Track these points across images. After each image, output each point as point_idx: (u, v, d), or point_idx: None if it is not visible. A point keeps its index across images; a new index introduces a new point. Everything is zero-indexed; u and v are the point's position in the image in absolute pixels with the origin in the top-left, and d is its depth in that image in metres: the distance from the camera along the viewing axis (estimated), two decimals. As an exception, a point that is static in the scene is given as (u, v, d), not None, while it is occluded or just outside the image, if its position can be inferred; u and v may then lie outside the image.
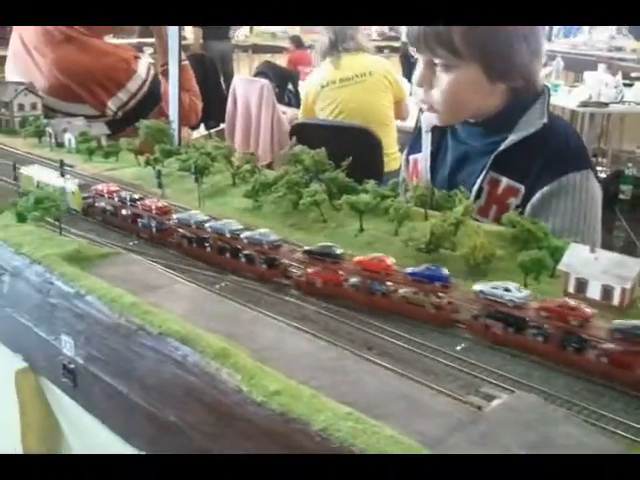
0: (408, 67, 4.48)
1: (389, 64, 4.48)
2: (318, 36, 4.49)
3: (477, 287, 1.01)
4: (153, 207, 1.37)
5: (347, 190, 1.43)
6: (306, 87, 4.39)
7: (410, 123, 3.84)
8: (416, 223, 1.29)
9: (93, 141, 1.99)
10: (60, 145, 2.08)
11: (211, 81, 5.84)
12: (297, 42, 8.05)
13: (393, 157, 4.13)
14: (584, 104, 5.73)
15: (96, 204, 1.50)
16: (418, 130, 2.00)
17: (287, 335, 0.95)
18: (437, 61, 1.69)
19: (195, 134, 4.92)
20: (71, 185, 1.50)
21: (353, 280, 1.12)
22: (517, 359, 0.94)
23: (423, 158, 1.94)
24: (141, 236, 1.40)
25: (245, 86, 5.15)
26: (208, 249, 1.28)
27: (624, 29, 8.33)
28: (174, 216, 1.35)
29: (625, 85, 5.78)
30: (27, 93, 2.34)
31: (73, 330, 1.06)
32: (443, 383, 0.85)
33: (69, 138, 2.05)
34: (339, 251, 1.14)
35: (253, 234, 1.22)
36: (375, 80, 4.11)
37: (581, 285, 1.03)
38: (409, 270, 1.07)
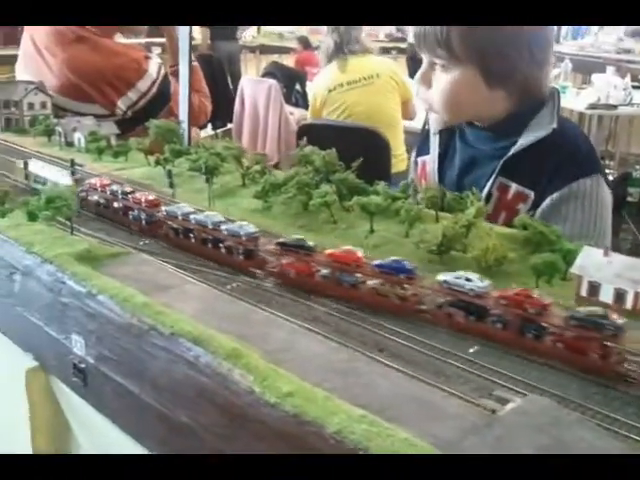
0: (415, 68, 4.47)
1: (395, 65, 4.47)
2: (322, 37, 4.48)
3: (440, 277, 1.05)
4: (143, 200, 1.42)
5: (357, 191, 1.43)
6: (313, 90, 4.39)
7: (417, 124, 3.84)
8: (427, 225, 1.29)
9: (102, 140, 1.99)
10: (70, 144, 2.08)
11: (218, 81, 5.85)
12: (304, 43, 8.05)
13: (400, 158, 4.13)
14: (592, 106, 5.71)
15: (89, 197, 1.55)
16: (426, 132, 2.00)
17: (299, 336, 0.94)
18: (437, 61, 1.69)
19: (202, 134, 4.93)
20: (65, 179, 1.55)
21: (324, 271, 1.15)
22: (529, 363, 0.94)
23: (431, 160, 1.94)
24: (132, 228, 1.45)
25: (253, 86, 5.16)
26: (192, 240, 1.32)
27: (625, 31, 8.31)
28: (163, 208, 1.39)
29: (634, 87, 5.75)
30: (37, 92, 2.35)
31: (84, 329, 1.06)
32: (455, 386, 0.85)
33: (79, 137, 2.05)
34: (311, 243, 1.19)
35: (232, 226, 1.26)
36: (382, 82, 4.11)
37: (594, 288, 1.03)
38: (376, 262, 1.11)
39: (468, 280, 1.02)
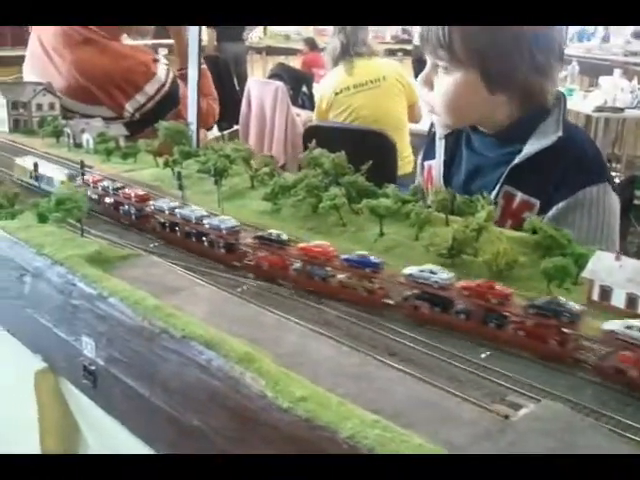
0: (420, 70, 4.45)
1: (401, 67, 4.46)
2: (328, 39, 4.47)
3: (406, 271, 1.08)
4: (132, 195, 1.47)
5: (367, 194, 1.42)
6: (320, 93, 4.39)
7: (423, 126, 3.84)
8: (437, 228, 1.29)
9: (111, 142, 1.99)
10: (78, 145, 2.09)
11: (225, 83, 5.85)
12: (311, 44, 8.05)
13: (407, 160, 4.13)
14: (599, 109, 5.70)
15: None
16: (432, 135, 2.00)
17: (310, 340, 0.94)
18: (439, 63, 1.68)
19: (209, 135, 4.93)
20: (60, 175, 1.62)
21: (297, 265, 1.19)
22: (541, 367, 0.93)
23: (437, 165, 1.93)
24: (122, 222, 1.49)
25: (259, 88, 5.17)
26: (178, 234, 1.37)
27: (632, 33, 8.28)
28: (151, 203, 1.43)
29: (641, 90, 5.75)
30: (45, 93, 2.35)
31: (94, 331, 1.06)
32: (468, 391, 0.84)
33: (87, 139, 2.05)
34: (285, 237, 1.22)
35: (214, 220, 1.31)
36: (389, 85, 4.11)
37: (605, 293, 1.02)
38: (345, 256, 1.14)
39: (432, 273, 1.06)
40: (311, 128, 4.15)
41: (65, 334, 1.13)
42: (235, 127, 5.85)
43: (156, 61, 2.77)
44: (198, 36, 1.95)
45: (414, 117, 4.30)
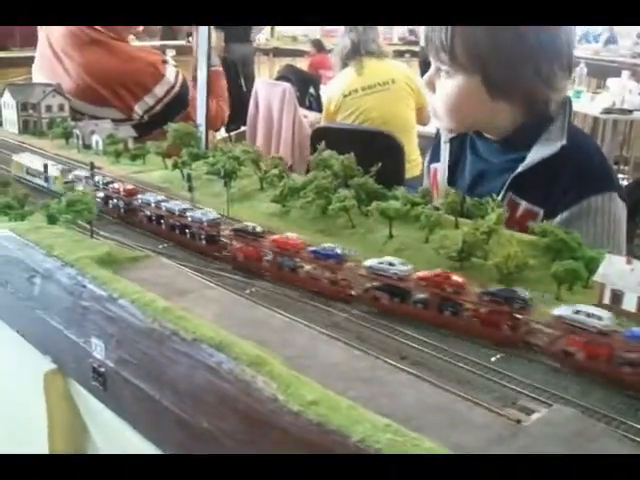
0: (427, 72, 4.45)
1: (410, 70, 4.44)
2: (338, 39, 4.46)
3: (366, 263, 1.13)
4: (121, 189, 1.54)
5: (376, 196, 1.42)
6: (328, 95, 4.38)
7: (430, 128, 3.83)
8: (447, 231, 1.28)
9: (120, 143, 2.00)
10: (87, 147, 2.09)
11: (232, 84, 5.85)
12: (318, 46, 8.05)
13: (415, 163, 4.12)
14: (607, 111, 5.69)
15: (75, 188, 1.64)
16: (439, 138, 1.99)
17: (320, 343, 0.94)
18: (441, 67, 1.68)
19: (217, 136, 4.94)
20: (54, 170, 1.71)
21: (269, 256, 1.24)
22: (552, 371, 0.93)
23: (442, 169, 1.93)
24: (112, 215, 1.55)
25: (267, 89, 5.17)
26: (163, 226, 1.43)
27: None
28: (139, 197, 1.49)
29: (650, 92, 5.73)
30: (55, 95, 2.36)
31: (104, 333, 1.06)
32: (479, 395, 0.84)
33: (96, 140, 2.06)
34: (259, 229, 1.27)
35: (196, 213, 1.36)
36: (398, 87, 4.10)
37: (616, 297, 1.02)
38: (312, 248, 1.19)
39: (391, 265, 1.10)
40: (318, 129, 4.15)
41: (75, 336, 1.13)
42: (242, 128, 5.86)
43: (165, 62, 2.78)
44: (207, 38, 1.95)
45: (423, 120, 4.29)
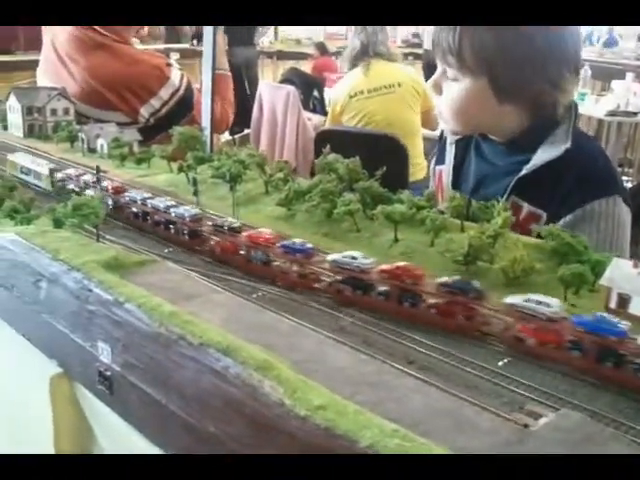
0: (430, 75, 4.44)
1: (417, 74, 4.42)
2: (348, 41, 4.46)
3: (330, 257, 1.17)
4: (110, 187, 1.60)
5: (382, 200, 1.42)
6: (334, 96, 4.38)
7: (437, 132, 3.82)
8: (452, 234, 1.28)
9: (125, 147, 2.00)
10: (92, 151, 2.10)
11: (236, 87, 5.86)
12: (322, 49, 8.08)
13: (419, 167, 4.12)
14: (611, 113, 5.68)
15: (65, 186, 1.73)
16: (444, 140, 1.99)
17: (327, 347, 0.94)
18: (448, 69, 1.67)
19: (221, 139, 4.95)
20: (46, 169, 1.77)
21: (243, 250, 1.29)
22: (560, 376, 0.93)
23: (446, 171, 1.92)
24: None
25: (271, 92, 5.17)
26: (149, 222, 1.48)
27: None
28: (126, 194, 1.54)
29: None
30: (60, 98, 2.36)
31: (111, 337, 1.06)
32: (487, 399, 0.83)
33: (101, 144, 2.06)
34: (237, 225, 1.33)
35: (179, 209, 1.42)
36: (404, 91, 4.09)
37: (623, 301, 1.02)
38: (281, 243, 1.23)
39: (354, 258, 1.14)
40: (322, 132, 4.15)
41: (81, 340, 1.13)
42: (246, 131, 5.86)
43: (169, 65, 2.78)
44: (212, 42, 1.95)
45: (430, 124, 4.25)
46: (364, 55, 4.08)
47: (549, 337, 0.95)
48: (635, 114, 5.65)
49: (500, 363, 0.95)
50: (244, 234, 1.30)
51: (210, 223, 1.38)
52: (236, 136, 6.24)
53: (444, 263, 1.21)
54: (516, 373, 0.92)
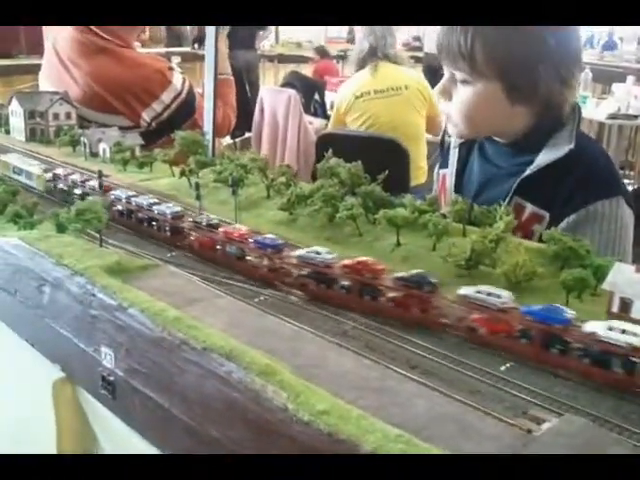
0: (431, 78, 4.45)
1: (423, 78, 4.40)
2: (355, 43, 4.45)
3: (296, 252, 1.22)
4: (96, 186, 1.66)
5: (384, 204, 1.42)
6: (339, 97, 4.37)
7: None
8: (455, 239, 1.28)
9: (127, 151, 2.00)
10: (94, 155, 2.10)
11: (237, 90, 5.86)
12: (321, 53, 8.08)
13: (422, 171, 4.12)
14: (612, 116, 5.68)
15: (56, 186, 1.79)
16: (448, 144, 1.99)
17: (329, 352, 0.94)
18: (458, 74, 1.67)
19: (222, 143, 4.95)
20: (37, 169, 1.83)
21: (219, 245, 1.34)
22: (562, 380, 0.93)
23: (450, 175, 1.92)
24: None
25: (272, 96, 5.18)
26: (133, 220, 1.53)
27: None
28: (111, 193, 1.61)
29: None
30: (62, 102, 2.37)
31: (114, 342, 1.06)
32: (490, 404, 0.84)
33: (104, 148, 2.07)
34: (215, 221, 1.39)
35: (161, 207, 1.48)
36: (410, 94, 4.08)
37: (625, 305, 1.02)
38: (254, 238, 1.29)
39: (318, 253, 1.19)
40: (324, 136, 4.15)
41: (84, 344, 1.13)
42: (247, 135, 5.87)
43: (171, 69, 2.79)
44: (215, 46, 1.96)
45: (435, 129, 4.23)
46: (372, 57, 4.08)
47: (500, 327, 1.00)
48: (636, 117, 5.65)
49: (503, 368, 0.95)
50: (220, 230, 1.35)
51: (190, 220, 1.43)
52: (237, 140, 6.25)
53: (446, 267, 1.22)
54: (519, 378, 0.92)
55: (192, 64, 6.80)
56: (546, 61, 1.61)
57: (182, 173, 1.75)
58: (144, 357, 1.00)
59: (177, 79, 2.74)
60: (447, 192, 1.93)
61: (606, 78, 6.91)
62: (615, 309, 1.02)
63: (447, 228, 1.29)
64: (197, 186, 1.49)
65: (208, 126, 2.04)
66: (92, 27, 2.68)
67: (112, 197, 1.59)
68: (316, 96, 5.85)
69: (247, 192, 1.66)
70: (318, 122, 5.22)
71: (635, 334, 0.90)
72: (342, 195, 1.48)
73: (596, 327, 0.92)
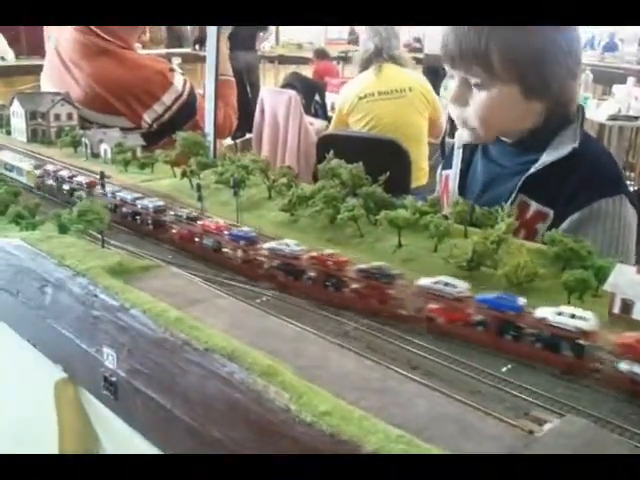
0: (431, 79, 4.46)
1: (427, 81, 4.40)
2: (361, 44, 4.44)
3: (266, 245, 1.26)
4: (83, 182, 1.73)
5: (385, 205, 1.43)
6: (342, 97, 4.36)
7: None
8: (456, 240, 1.29)
9: (128, 152, 2.01)
10: (95, 156, 2.10)
11: (238, 91, 5.86)
12: (319, 55, 8.08)
13: (424, 173, 4.12)
14: (613, 118, 5.69)
15: (45, 182, 1.85)
16: (451, 146, 1.99)
17: (331, 353, 0.94)
18: (472, 79, 1.67)
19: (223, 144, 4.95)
20: (27, 165, 1.90)
21: (197, 238, 1.39)
22: (563, 381, 0.93)
23: (453, 175, 1.93)
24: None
25: (273, 97, 5.18)
26: (117, 213, 1.58)
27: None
28: (97, 188, 1.68)
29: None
30: (63, 103, 2.38)
31: (116, 343, 1.06)
32: (491, 405, 0.84)
33: (105, 149, 2.07)
34: (194, 214, 1.45)
35: (144, 201, 1.54)
36: (413, 97, 4.09)
37: (627, 306, 1.02)
38: (229, 231, 1.33)
39: (287, 245, 1.23)
40: (324, 137, 4.15)
41: (86, 345, 1.14)
42: (248, 136, 5.87)
43: (172, 71, 2.79)
44: (216, 48, 1.96)
45: (436, 132, 4.24)
46: (377, 58, 4.08)
47: (456, 315, 1.03)
48: (636, 118, 5.66)
49: (504, 369, 0.96)
50: (199, 223, 1.40)
51: (172, 213, 1.48)
52: (238, 141, 6.25)
53: (448, 269, 1.22)
54: (520, 379, 0.92)
55: (193, 65, 6.82)
56: (559, 59, 1.63)
57: (183, 174, 1.76)
58: (146, 358, 1.00)
59: (178, 80, 2.75)
60: (450, 193, 1.93)
61: (607, 79, 6.91)
62: (616, 310, 1.03)
63: (448, 229, 1.29)
64: (199, 187, 1.50)
65: (209, 127, 2.05)
66: (94, 28, 2.68)
67: (99, 192, 1.65)
68: (317, 97, 5.85)
69: (248, 193, 1.66)
70: (319, 123, 5.23)
71: (583, 318, 0.94)
72: (343, 196, 1.48)
73: (546, 312, 0.96)
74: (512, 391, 0.89)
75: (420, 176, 4.06)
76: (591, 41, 9.72)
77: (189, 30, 8.92)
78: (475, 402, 0.83)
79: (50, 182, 1.83)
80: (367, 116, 4.12)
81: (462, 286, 1.05)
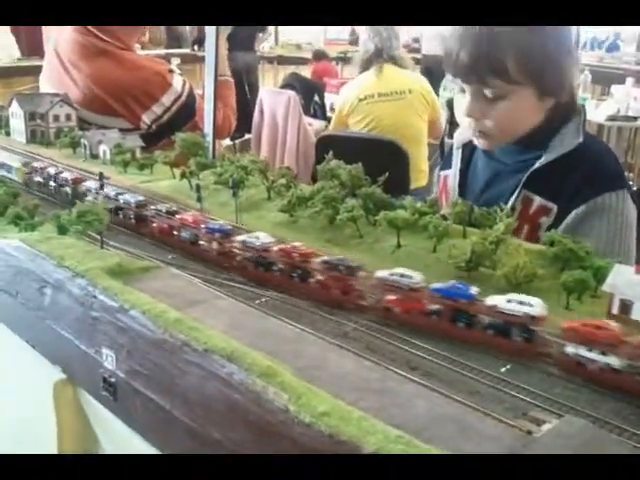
0: (429, 79, 4.46)
1: (427, 83, 4.39)
2: (361, 45, 4.43)
3: (239, 238, 1.30)
4: (69, 178, 1.78)
5: (384, 206, 1.43)
6: (342, 98, 4.35)
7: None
8: (455, 241, 1.29)
9: (128, 153, 2.01)
10: (94, 157, 2.10)
11: (237, 92, 5.85)
12: (318, 55, 8.07)
13: (423, 174, 4.12)
14: (612, 118, 5.68)
15: (34, 178, 1.91)
16: (450, 146, 1.99)
17: (330, 353, 0.94)
18: (487, 91, 1.66)
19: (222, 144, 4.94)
20: (16, 163, 1.96)
21: (176, 231, 1.43)
22: (562, 382, 0.93)
23: (452, 175, 1.93)
24: (63, 200, 1.76)
25: (272, 98, 5.18)
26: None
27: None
28: (83, 184, 1.72)
29: (654, 99, 5.72)
30: (62, 104, 2.37)
31: (115, 344, 1.06)
32: (490, 405, 0.84)
33: (104, 150, 2.07)
34: (174, 209, 1.49)
35: (126, 196, 1.59)
36: (413, 98, 4.08)
37: (625, 306, 1.02)
38: (205, 224, 1.37)
39: (257, 238, 1.27)
40: (323, 137, 4.15)
41: (85, 346, 1.14)
42: (247, 136, 5.87)
43: (171, 72, 2.79)
44: (215, 48, 1.96)
45: (435, 133, 4.23)
46: (378, 58, 4.07)
47: (412, 305, 1.07)
48: (635, 119, 5.65)
49: (503, 369, 0.96)
50: (177, 217, 1.44)
51: (152, 207, 1.52)
52: (236, 141, 6.24)
53: (447, 269, 1.22)
54: (519, 379, 0.93)
55: (192, 66, 6.81)
56: (565, 57, 1.66)
57: (183, 175, 1.76)
58: (145, 359, 1.00)
59: (177, 81, 2.75)
60: (449, 193, 1.93)
61: (605, 80, 6.91)
62: (615, 310, 1.03)
63: (447, 230, 1.29)
64: (198, 188, 1.50)
65: (208, 128, 2.04)
66: (93, 29, 2.68)
67: (83, 188, 1.69)
68: (316, 98, 5.84)
69: (248, 194, 1.66)
70: (318, 124, 5.22)
71: (530, 305, 0.98)
72: (342, 197, 1.48)
73: (497, 300, 1.00)
74: (511, 391, 0.89)
75: (420, 177, 4.06)
76: (592, 41, 9.71)
77: (188, 30, 8.90)
78: (474, 403, 0.83)
79: (38, 179, 1.89)
80: (367, 117, 4.12)
81: (417, 277, 1.09)
